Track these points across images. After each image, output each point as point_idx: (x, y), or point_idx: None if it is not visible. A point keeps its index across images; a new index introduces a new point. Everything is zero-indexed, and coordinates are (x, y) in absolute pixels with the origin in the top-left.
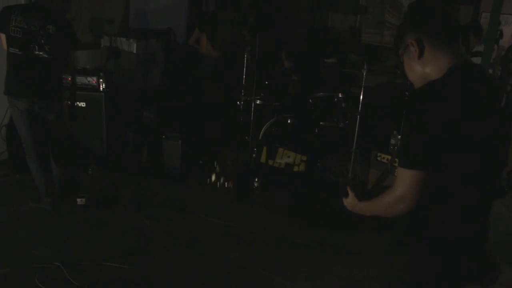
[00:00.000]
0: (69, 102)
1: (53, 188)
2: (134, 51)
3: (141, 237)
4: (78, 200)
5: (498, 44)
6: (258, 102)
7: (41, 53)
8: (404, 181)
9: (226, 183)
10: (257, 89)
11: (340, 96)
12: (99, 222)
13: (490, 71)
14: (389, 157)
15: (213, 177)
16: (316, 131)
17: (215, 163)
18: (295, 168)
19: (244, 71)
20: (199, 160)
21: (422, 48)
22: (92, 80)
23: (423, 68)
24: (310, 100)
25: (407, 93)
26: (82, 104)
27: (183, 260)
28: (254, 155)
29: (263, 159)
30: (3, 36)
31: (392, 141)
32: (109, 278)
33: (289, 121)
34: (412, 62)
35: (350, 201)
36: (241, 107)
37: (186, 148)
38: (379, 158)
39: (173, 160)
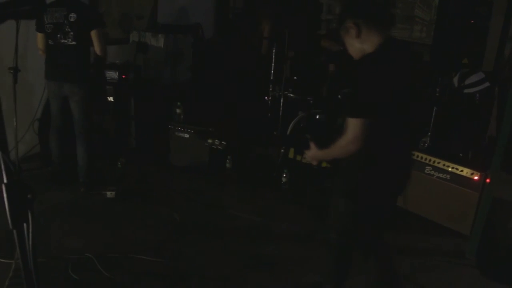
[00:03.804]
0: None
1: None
2: (162, 46)
3: (170, 231)
4: (108, 193)
5: None
6: (291, 95)
7: (66, 41)
8: (355, 127)
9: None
10: (286, 84)
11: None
12: (128, 215)
13: None
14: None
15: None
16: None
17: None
18: (324, 164)
19: (273, 66)
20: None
21: (359, 30)
22: (122, 75)
23: (361, 44)
24: (339, 96)
25: (437, 90)
26: (111, 99)
27: (212, 254)
28: (282, 150)
29: (291, 154)
30: (39, 35)
31: (423, 139)
32: (138, 270)
33: (317, 117)
34: (352, 40)
35: (312, 152)
36: (269, 102)
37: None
38: None
39: (201, 155)
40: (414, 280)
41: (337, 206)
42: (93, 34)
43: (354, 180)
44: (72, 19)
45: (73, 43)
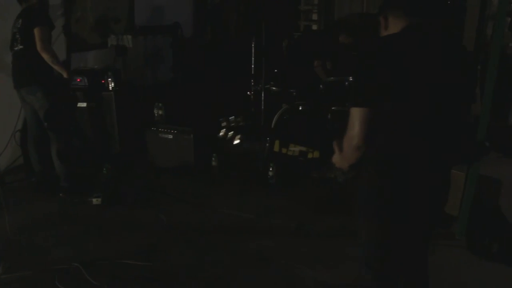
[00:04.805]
0: None
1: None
2: (141, 48)
3: (158, 233)
4: (94, 200)
5: None
6: (274, 88)
7: (17, 47)
8: (353, 118)
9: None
10: (267, 78)
11: (351, 79)
12: (115, 221)
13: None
14: None
15: (222, 132)
16: (329, 116)
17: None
18: (309, 155)
19: (253, 60)
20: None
21: (387, 21)
22: (101, 80)
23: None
24: (321, 86)
25: None
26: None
27: (202, 254)
28: (267, 144)
29: (276, 148)
30: None
31: None
32: (128, 276)
33: (300, 108)
34: (382, 33)
35: (336, 156)
36: (252, 97)
37: (198, 142)
38: None
39: (186, 154)
40: None
41: (359, 229)
42: (35, 32)
43: (367, 191)
44: (18, 25)
45: (21, 47)
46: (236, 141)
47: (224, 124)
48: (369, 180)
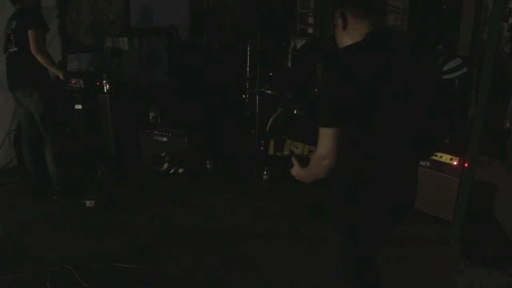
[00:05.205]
0: None
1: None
2: (137, 50)
3: (152, 236)
4: (87, 202)
5: (508, 22)
6: (268, 92)
7: (11, 49)
8: (323, 139)
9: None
10: (262, 81)
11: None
12: (109, 223)
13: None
14: None
15: (165, 166)
16: None
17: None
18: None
19: (248, 63)
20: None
21: (345, 21)
22: (96, 82)
23: (348, 38)
24: (316, 89)
25: None
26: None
27: (194, 257)
28: (261, 148)
29: (270, 151)
30: None
31: None
32: (120, 279)
33: (295, 112)
34: (340, 33)
35: (295, 170)
36: (247, 100)
37: (193, 145)
38: None
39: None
40: (398, 269)
41: (338, 245)
42: (29, 34)
43: (338, 205)
44: (13, 26)
45: (15, 49)
46: (180, 170)
47: (167, 158)
48: (340, 195)
